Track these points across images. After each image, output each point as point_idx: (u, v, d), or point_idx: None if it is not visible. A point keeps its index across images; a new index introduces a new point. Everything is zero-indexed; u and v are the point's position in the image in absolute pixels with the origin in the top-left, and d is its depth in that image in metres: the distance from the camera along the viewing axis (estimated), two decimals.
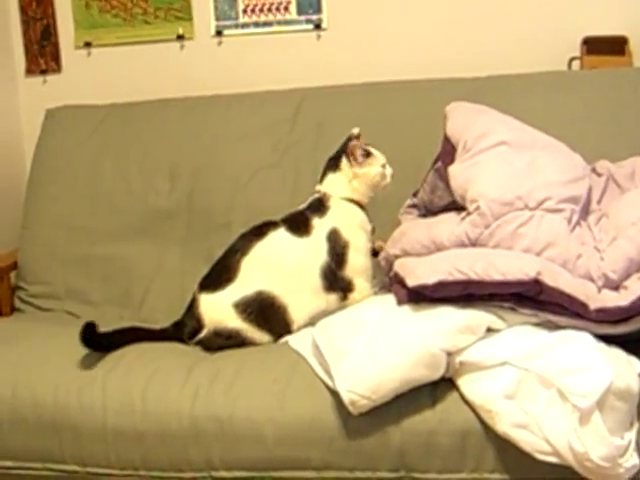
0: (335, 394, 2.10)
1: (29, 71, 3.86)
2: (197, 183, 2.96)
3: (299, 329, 2.53)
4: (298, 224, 2.61)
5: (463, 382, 2.12)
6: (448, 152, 2.64)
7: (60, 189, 3.31)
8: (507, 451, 2.04)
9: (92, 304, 3.13)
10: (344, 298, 2.58)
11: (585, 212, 2.51)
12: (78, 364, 2.36)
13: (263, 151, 3.16)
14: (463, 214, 2.46)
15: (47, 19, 3.80)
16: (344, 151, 2.67)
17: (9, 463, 2.30)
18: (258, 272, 2.54)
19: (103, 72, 3.80)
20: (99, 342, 2.43)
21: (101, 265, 3.18)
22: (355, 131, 2.70)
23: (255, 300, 2.50)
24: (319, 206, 2.64)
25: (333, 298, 2.58)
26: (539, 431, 1.99)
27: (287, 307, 2.53)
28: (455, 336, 2.13)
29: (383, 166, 2.67)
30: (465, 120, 2.68)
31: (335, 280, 2.57)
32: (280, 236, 2.59)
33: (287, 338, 2.50)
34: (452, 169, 2.55)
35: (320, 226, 2.59)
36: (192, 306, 2.59)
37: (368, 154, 2.66)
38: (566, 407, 1.96)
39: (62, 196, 3.29)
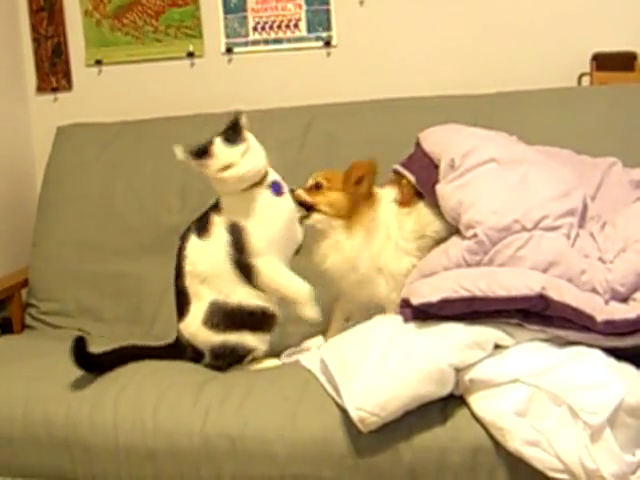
0: (345, 412, 2.09)
1: (40, 89, 3.88)
2: (208, 200, 2.94)
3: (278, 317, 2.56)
4: (203, 226, 2.58)
5: (474, 399, 2.11)
6: (425, 166, 2.63)
7: (71, 206, 3.32)
8: (518, 468, 2.03)
9: (103, 321, 3.14)
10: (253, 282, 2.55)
11: (583, 220, 2.49)
12: (90, 382, 2.37)
13: (273, 168, 3.17)
14: (456, 238, 2.45)
15: (58, 37, 3.82)
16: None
17: None
18: (199, 285, 2.54)
19: (114, 90, 3.82)
20: (91, 362, 2.43)
21: (112, 282, 3.19)
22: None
23: (213, 311, 2.51)
24: (216, 203, 2.62)
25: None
26: (550, 448, 1.98)
27: (240, 304, 2.52)
28: (463, 352, 2.12)
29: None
30: (444, 138, 2.67)
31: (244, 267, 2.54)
32: (192, 245, 2.57)
33: (298, 357, 2.51)
34: (441, 189, 2.51)
35: (219, 222, 2.56)
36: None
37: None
38: (577, 424, 1.96)
39: (73, 213, 3.31)
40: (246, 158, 2.50)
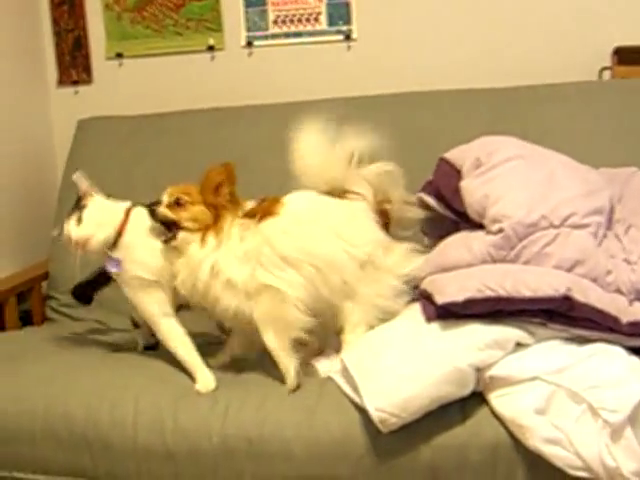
0: (364, 411, 2.09)
1: (61, 82, 3.89)
2: None
3: None
4: None
5: (493, 397, 2.11)
6: (446, 173, 2.62)
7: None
8: (538, 466, 2.02)
9: (121, 313, 3.14)
10: None
11: (609, 221, 2.48)
12: (110, 380, 2.38)
13: (292, 162, 3.17)
14: (480, 233, 2.44)
15: (79, 30, 3.83)
16: None
17: (41, 477, 2.31)
18: None
19: (134, 83, 3.83)
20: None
21: None
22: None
23: None
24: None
25: None
26: (570, 446, 1.97)
27: None
28: (483, 352, 2.11)
29: None
30: (466, 146, 2.67)
31: None
32: None
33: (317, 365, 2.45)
34: (466, 184, 2.52)
35: None
36: None
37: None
38: (597, 422, 1.95)
39: None
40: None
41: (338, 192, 2.54)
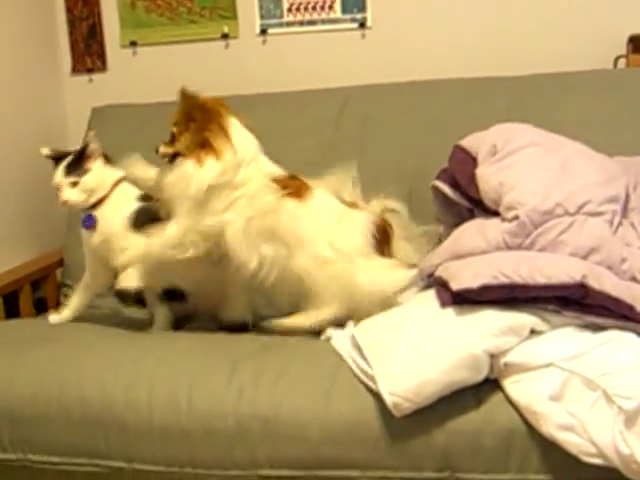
0: (379, 396, 2.09)
1: (75, 70, 3.90)
2: None
3: None
4: None
5: (508, 383, 2.10)
6: (461, 161, 2.63)
7: None
8: (552, 452, 2.02)
9: None
10: None
11: (625, 209, 2.48)
12: (124, 362, 2.38)
13: (307, 150, 3.17)
14: (495, 220, 2.44)
15: (93, 18, 3.83)
16: None
17: (56, 458, 2.31)
18: None
19: (148, 71, 3.83)
20: None
21: None
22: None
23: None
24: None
25: None
26: (584, 433, 1.96)
27: None
28: (498, 338, 2.10)
29: None
30: (482, 134, 2.67)
31: None
32: None
33: (331, 333, 2.50)
34: (482, 171, 2.52)
35: None
36: None
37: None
38: (612, 409, 1.94)
39: None
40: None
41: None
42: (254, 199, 2.58)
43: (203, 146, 2.57)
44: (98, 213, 2.73)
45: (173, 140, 2.65)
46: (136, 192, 2.79)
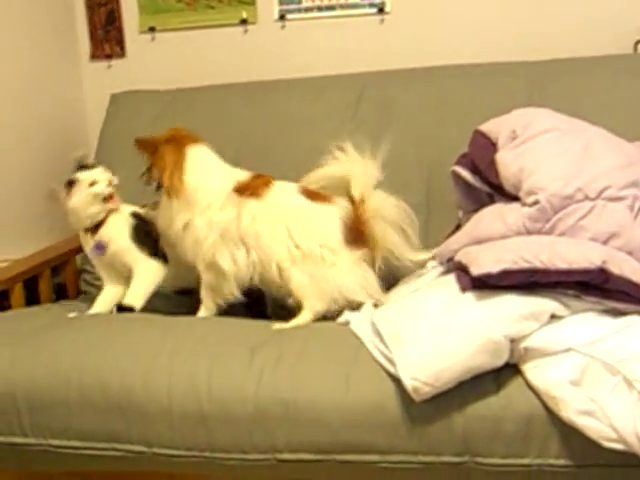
0: (398, 380, 2.09)
1: (94, 56, 3.91)
2: (260, 167, 2.95)
3: None
4: None
5: (528, 368, 2.10)
6: (481, 146, 2.62)
7: (124, 173, 3.33)
8: (572, 437, 2.02)
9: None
10: None
11: None
12: (143, 348, 2.38)
13: (326, 135, 3.16)
14: (515, 205, 2.43)
15: (111, 4, 3.84)
16: None
17: (77, 443, 2.32)
18: None
19: (167, 57, 3.84)
20: None
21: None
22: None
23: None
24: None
25: None
26: (605, 418, 1.96)
27: None
28: (519, 323, 2.10)
29: (92, 184, 2.87)
30: (501, 118, 2.67)
31: None
32: None
33: (348, 317, 2.52)
34: (501, 157, 2.51)
35: None
36: None
37: (71, 183, 2.86)
38: (632, 394, 1.94)
39: (126, 180, 3.32)
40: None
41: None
42: (222, 210, 2.73)
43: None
44: (102, 234, 2.91)
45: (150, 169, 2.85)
46: (129, 208, 2.97)
